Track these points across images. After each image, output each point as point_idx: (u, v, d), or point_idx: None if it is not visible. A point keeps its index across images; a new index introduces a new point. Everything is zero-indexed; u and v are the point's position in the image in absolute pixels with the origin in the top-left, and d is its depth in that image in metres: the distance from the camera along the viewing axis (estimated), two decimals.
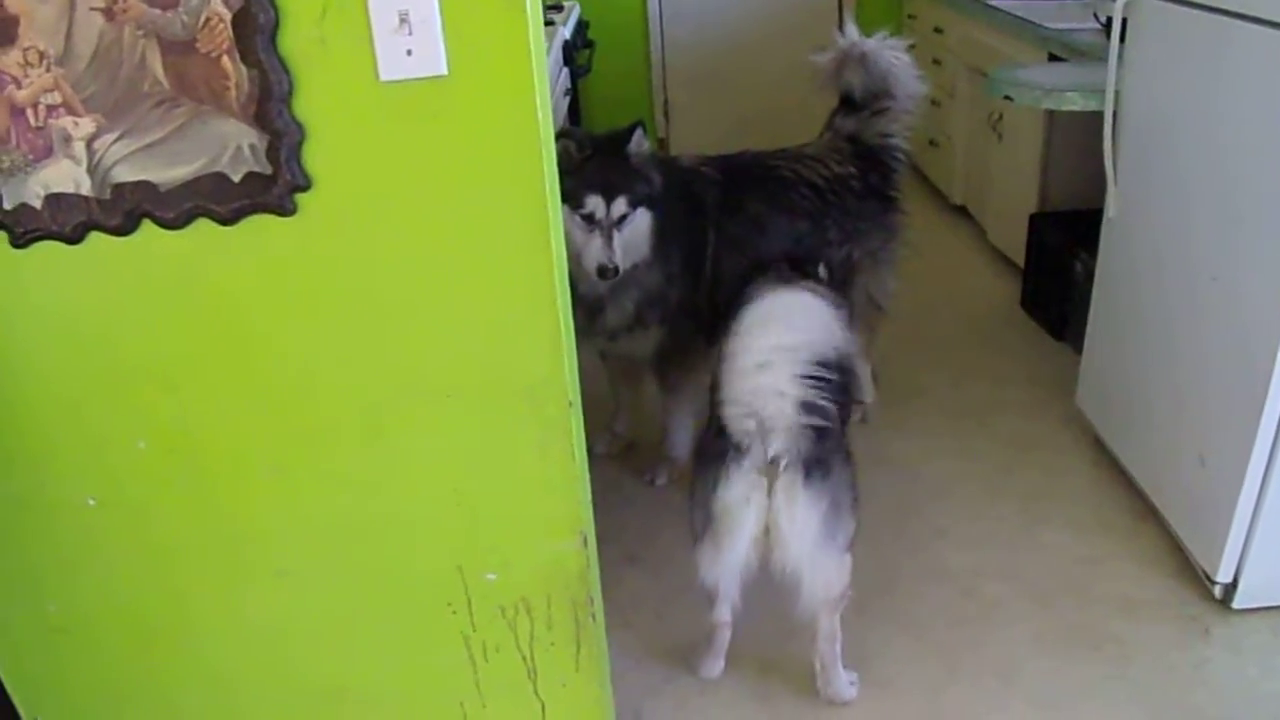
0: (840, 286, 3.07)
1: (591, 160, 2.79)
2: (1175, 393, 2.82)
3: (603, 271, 2.79)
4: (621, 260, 2.80)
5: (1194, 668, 2.55)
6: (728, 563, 2.34)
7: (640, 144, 2.87)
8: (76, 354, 1.78)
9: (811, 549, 2.29)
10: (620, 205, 2.79)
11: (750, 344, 2.20)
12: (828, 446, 2.26)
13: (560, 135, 2.71)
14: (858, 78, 3.26)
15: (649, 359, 3.23)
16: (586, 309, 2.92)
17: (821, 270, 2.74)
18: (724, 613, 2.52)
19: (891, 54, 3.26)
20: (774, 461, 2.21)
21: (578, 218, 2.76)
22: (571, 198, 2.70)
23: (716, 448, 2.27)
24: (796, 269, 2.70)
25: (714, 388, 2.46)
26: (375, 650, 2.08)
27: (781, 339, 2.20)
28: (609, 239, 2.78)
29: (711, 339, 2.97)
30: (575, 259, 2.75)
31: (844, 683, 2.52)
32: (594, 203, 2.77)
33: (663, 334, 3.11)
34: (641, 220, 2.86)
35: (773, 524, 2.27)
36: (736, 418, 2.21)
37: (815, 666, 2.50)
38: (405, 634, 2.06)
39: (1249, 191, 2.42)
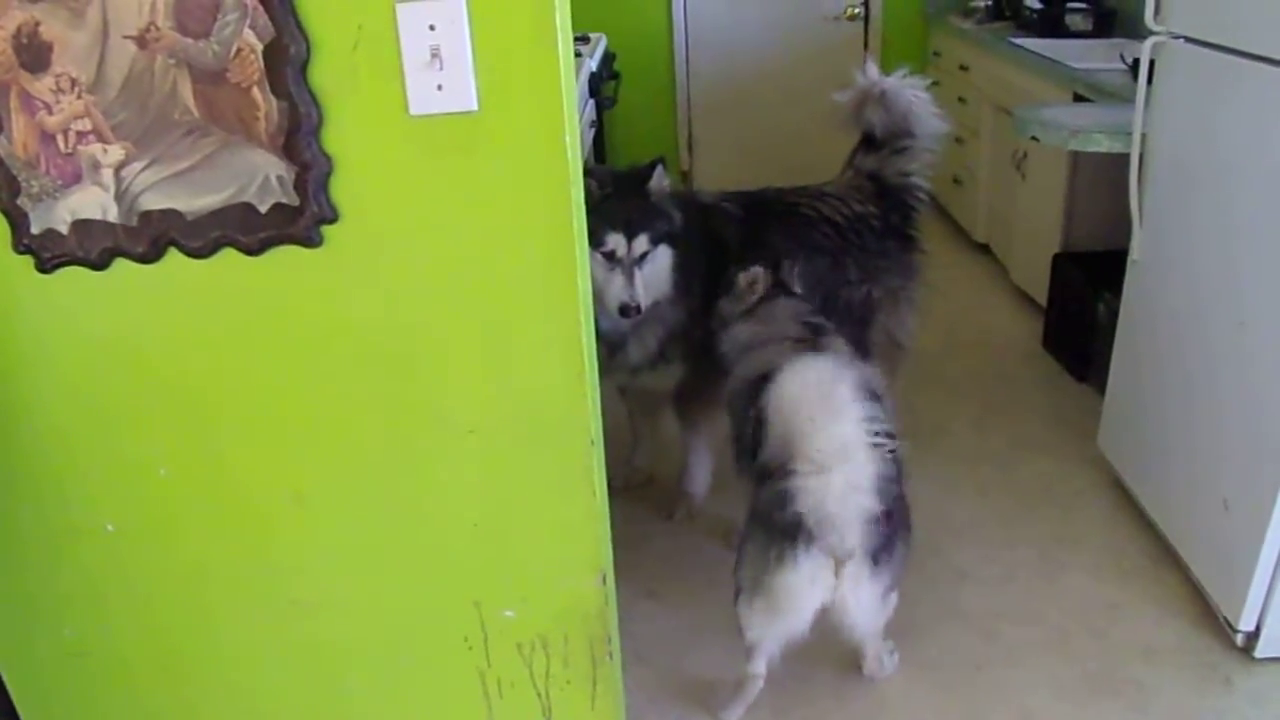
0: (859, 325, 3.08)
1: (612, 198, 2.77)
2: (1199, 436, 2.80)
3: (625, 310, 2.77)
4: (644, 298, 2.78)
5: (1214, 717, 2.52)
6: (783, 631, 2.36)
7: (660, 181, 2.85)
8: (99, 380, 1.78)
9: (872, 618, 2.39)
10: (642, 243, 2.78)
11: (819, 443, 2.14)
12: (894, 522, 2.28)
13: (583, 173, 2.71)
14: (878, 116, 3.25)
15: (670, 395, 3.21)
16: (608, 345, 2.90)
17: (790, 272, 2.79)
18: (761, 667, 2.50)
19: (911, 93, 3.25)
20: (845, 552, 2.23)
21: (599, 255, 2.74)
22: (592, 236, 2.65)
23: (781, 522, 2.23)
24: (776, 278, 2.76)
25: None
26: (390, 682, 2.07)
27: (846, 429, 2.15)
28: (630, 277, 2.77)
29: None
30: (597, 297, 2.73)
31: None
32: (615, 240, 2.75)
33: (684, 370, 3.09)
34: (663, 257, 2.84)
35: (837, 602, 2.29)
36: (813, 511, 2.18)
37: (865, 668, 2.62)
38: (420, 667, 2.05)
39: (1278, 237, 2.40)
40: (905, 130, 3.25)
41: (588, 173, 2.67)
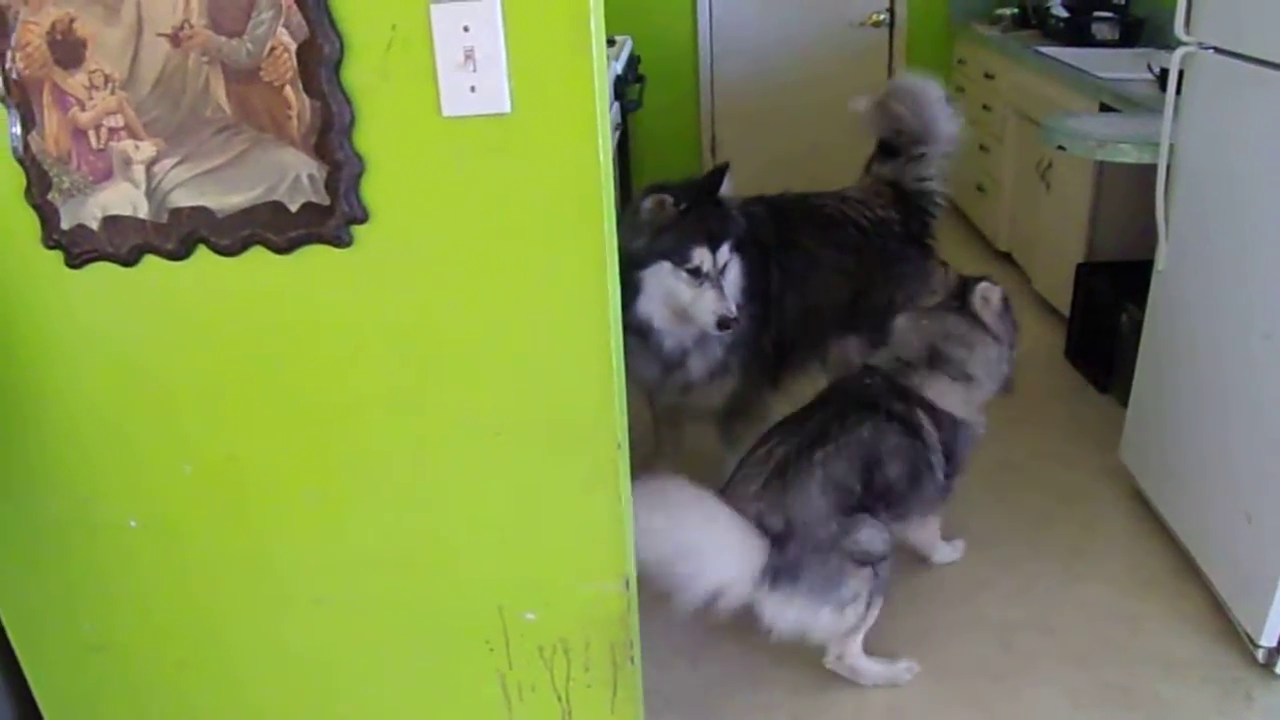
0: (881, 330, 3.05)
1: (689, 211, 2.68)
2: (1222, 450, 2.78)
3: (724, 323, 2.67)
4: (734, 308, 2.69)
5: None
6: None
7: (729, 186, 2.80)
8: (126, 376, 1.79)
9: (801, 630, 2.44)
10: (724, 253, 2.71)
11: None
12: (794, 542, 2.36)
13: (652, 190, 2.63)
14: (905, 107, 3.24)
15: (717, 410, 3.12)
16: (664, 365, 2.86)
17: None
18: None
19: (933, 91, 3.25)
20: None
21: (683, 273, 2.66)
22: (674, 254, 2.63)
23: None
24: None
25: None
26: (410, 684, 2.07)
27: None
28: (720, 289, 2.68)
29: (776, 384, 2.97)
30: (679, 314, 2.69)
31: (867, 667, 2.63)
32: (701, 255, 2.66)
33: (738, 381, 3.02)
34: (735, 264, 2.78)
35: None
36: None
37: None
38: (441, 669, 2.05)
39: None
40: (923, 128, 3.24)
41: (659, 189, 2.61)
